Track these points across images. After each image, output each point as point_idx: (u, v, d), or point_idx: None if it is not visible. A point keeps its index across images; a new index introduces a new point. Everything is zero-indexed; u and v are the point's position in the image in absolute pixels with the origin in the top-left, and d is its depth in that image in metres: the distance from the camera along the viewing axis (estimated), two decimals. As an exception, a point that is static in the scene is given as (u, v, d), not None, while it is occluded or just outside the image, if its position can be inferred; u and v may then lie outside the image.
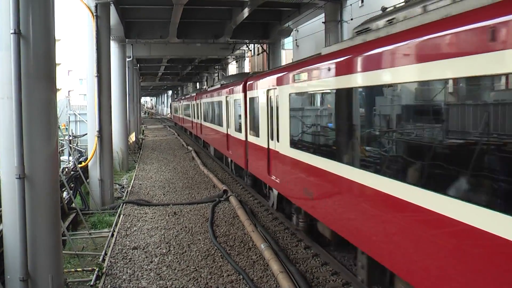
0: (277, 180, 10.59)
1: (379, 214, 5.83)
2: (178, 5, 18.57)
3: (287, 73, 9.70)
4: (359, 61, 6.45)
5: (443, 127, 4.77)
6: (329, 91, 7.47)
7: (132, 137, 30.62)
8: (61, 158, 18.52)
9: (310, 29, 25.95)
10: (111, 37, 17.02)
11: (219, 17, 23.61)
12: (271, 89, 10.91)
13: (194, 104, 30.74)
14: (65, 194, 13.12)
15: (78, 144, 22.47)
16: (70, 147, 18.39)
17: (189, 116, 34.91)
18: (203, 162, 22.08)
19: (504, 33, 3.85)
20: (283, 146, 9.92)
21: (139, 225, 11.57)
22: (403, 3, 6.53)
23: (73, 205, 12.77)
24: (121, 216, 12.48)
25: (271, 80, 10.96)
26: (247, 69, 37.30)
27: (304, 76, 8.69)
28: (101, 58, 14.60)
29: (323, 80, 7.75)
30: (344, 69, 6.83)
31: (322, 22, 18.16)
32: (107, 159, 14.91)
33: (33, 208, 6.41)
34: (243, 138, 14.22)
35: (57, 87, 7.23)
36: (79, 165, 14.47)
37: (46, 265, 6.60)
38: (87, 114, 15.59)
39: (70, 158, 17.31)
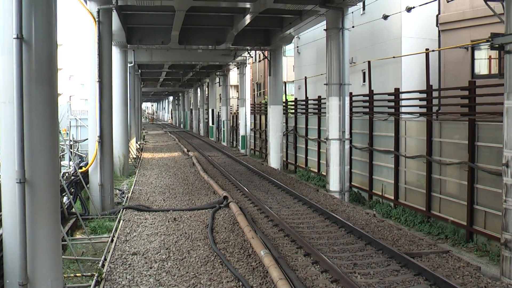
0: None
1: None
2: (180, 11, 18.63)
3: None
4: None
5: None
6: None
7: (133, 144, 30.60)
8: (62, 163, 18.54)
9: (312, 36, 26.02)
10: (113, 43, 17.10)
11: (220, 24, 23.66)
12: None
13: None
14: (65, 199, 13.13)
15: (79, 149, 22.52)
16: (71, 152, 18.42)
17: None
18: (203, 168, 22.07)
19: None
20: None
21: (139, 230, 11.55)
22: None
23: (73, 210, 12.78)
24: (121, 221, 12.45)
25: None
26: (248, 76, 37.33)
27: None
28: (102, 63, 14.65)
29: None
30: None
31: (324, 30, 18.20)
32: (108, 164, 14.92)
33: (33, 212, 6.41)
34: None
35: (59, 92, 7.25)
36: (80, 170, 14.48)
37: (45, 270, 6.59)
38: (88, 119, 15.64)
39: (71, 163, 17.34)
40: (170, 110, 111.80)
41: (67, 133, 22.25)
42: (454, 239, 12.97)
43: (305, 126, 24.96)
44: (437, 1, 17.46)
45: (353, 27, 18.52)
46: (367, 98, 18.58)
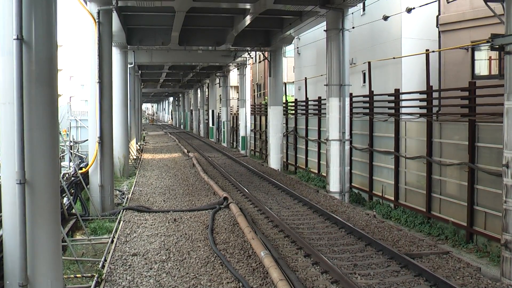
0: None
1: None
2: (180, 12, 18.64)
3: None
4: None
5: None
6: None
7: (133, 145, 30.59)
8: (62, 163, 18.54)
9: (312, 37, 26.04)
10: (113, 44, 17.08)
11: (220, 25, 23.67)
12: None
13: None
14: (65, 199, 13.12)
15: (79, 149, 22.51)
16: (71, 153, 18.41)
17: None
18: (203, 169, 22.07)
19: None
20: None
21: (139, 231, 11.55)
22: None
23: (73, 210, 12.77)
24: (121, 222, 12.45)
25: None
26: (248, 77, 37.33)
27: None
28: (102, 64, 14.64)
29: None
30: None
31: (324, 30, 18.20)
32: (108, 165, 14.91)
33: (33, 213, 6.40)
34: None
35: (59, 93, 7.25)
36: (80, 171, 14.48)
37: (45, 271, 6.59)
38: (88, 120, 15.64)
39: (71, 163, 17.33)
40: (170, 111, 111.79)
41: (67, 134, 22.25)
42: (454, 240, 12.97)
43: (305, 127, 24.96)
44: (437, 2, 17.48)
45: (353, 28, 18.50)
46: (367, 99, 18.58)
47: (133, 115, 31.60)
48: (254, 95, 45.88)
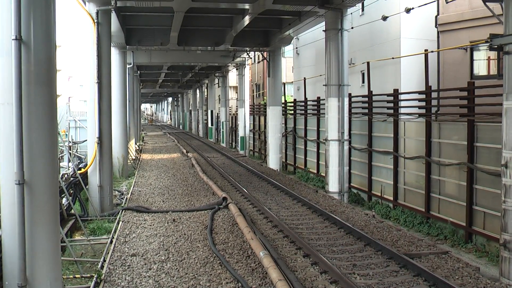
0: None
1: None
2: (179, 12, 18.64)
3: None
4: None
5: None
6: None
7: (132, 145, 30.56)
8: (61, 164, 18.54)
9: (311, 37, 26.04)
10: (111, 44, 17.05)
11: (219, 25, 23.68)
12: None
13: None
14: (64, 200, 13.10)
15: (78, 150, 22.50)
16: (70, 153, 18.40)
17: None
18: (202, 170, 22.06)
19: None
20: None
21: (138, 232, 11.55)
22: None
23: (72, 211, 12.75)
24: (120, 222, 12.45)
25: None
26: (247, 77, 37.34)
27: None
28: (101, 64, 14.63)
29: None
30: None
31: (323, 31, 18.21)
32: (107, 166, 14.91)
33: (32, 214, 6.40)
34: None
35: (58, 93, 7.25)
36: (79, 171, 14.46)
37: (44, 271, 6.59)
38: (87, 120, 15.62)
39: (70, 164, 17.32)
40: (169, 111, 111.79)
41: (66, 134, 22.23)
42: (453, 239, 12.98)
43: (304, 127, 24.97)
44: (436, 2, 17.48)
45: (352, 28, 18.50)
46: (366, 99, 18.59)
47: (132, 115, 31.59)
48: (253, 95, 45.87)
